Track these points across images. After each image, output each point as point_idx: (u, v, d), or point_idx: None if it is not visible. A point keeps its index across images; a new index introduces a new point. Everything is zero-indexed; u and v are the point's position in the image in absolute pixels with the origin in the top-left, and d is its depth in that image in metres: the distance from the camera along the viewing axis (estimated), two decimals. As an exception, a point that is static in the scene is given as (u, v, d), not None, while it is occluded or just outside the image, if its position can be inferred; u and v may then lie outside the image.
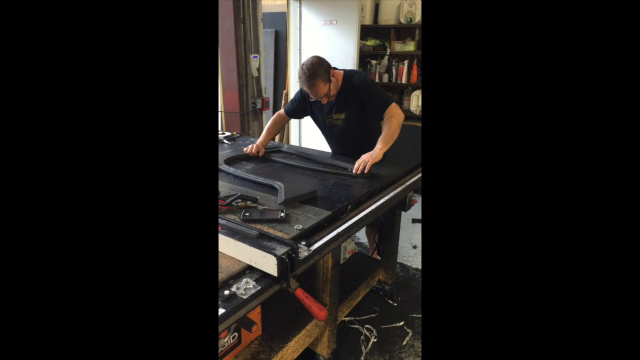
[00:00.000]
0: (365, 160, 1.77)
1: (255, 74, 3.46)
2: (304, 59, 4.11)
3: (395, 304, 2.10)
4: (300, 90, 2.07)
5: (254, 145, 2.07)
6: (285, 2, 4.06)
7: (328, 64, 1.85)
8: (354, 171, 1.76)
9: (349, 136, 2.05)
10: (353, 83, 1.92)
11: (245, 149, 2.08)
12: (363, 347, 1.80)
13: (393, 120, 1.87)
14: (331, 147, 2.23)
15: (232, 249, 1.07)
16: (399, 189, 1.70)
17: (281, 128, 2.21)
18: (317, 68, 1.79)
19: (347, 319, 1.96)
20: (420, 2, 3.73)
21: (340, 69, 1.97)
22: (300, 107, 2.11)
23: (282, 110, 2.19)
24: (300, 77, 1.84)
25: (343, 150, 2.14)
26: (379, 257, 2.17)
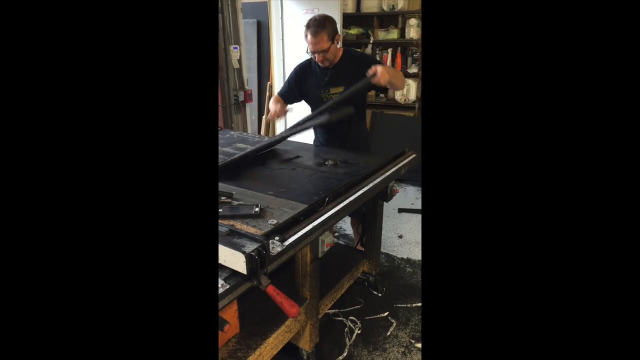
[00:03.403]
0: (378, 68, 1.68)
1: (236, 65, 3.39)
2: (287, 49, 4.09)
3: (380, 295, 2.10)
4: (296, 71, 2.06)
5: (273, 111, 1.96)
6: (265, -9, 3.97)
7: (336, 26, 1.89)
8: (370, 73, 1.69)
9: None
10: (354, 55, 1.97)
11: (265, 118, 1.96)
12: (347, 339, 1.79)
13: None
14: (317, 131, 2.19)
15: (201, 247, 1.04)
16: (379, 179, 1.68)
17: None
18: (327, 21, 1.83)
19: (331, 311, 1.95)
20: (402, -11, 3.68)
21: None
22: (296, 86, 2.04)
23: (276, 95, 2.11)
24: (307, 26, 1.84)
25: (327, 135, 2.11)
26: (363, 249, 2.16)
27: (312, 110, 2.07)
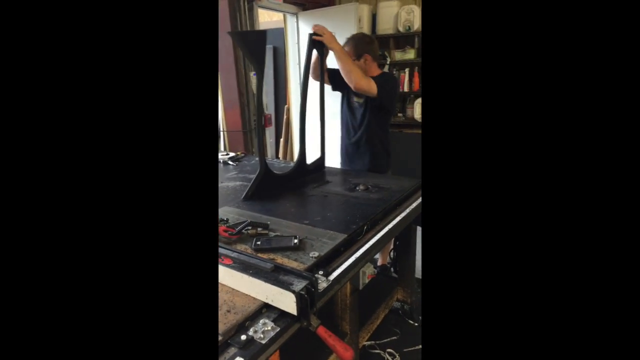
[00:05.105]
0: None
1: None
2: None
3: (416, 324, 2.00)
4: None
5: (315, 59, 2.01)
6: (282, 17, 4.04)
7: (369, 49, 2.08)
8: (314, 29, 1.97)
9: (356, 122, 2.19)
10: (385, 77, 2.09)
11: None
12: (387, 374, 1.70)
13: (360, 72, 1.99)
14: (342, 131, 2.31)
15: (246, 286, 0.99)
16: (415, 204, 1.62)
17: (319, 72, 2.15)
18: (357, 40, 2.11)
19: (367, 343, 1.86)
20: (418, 10, 3.70)
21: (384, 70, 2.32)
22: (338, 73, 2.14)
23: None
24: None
25: (346, 139, 2.28)
26: (391, 269, 2.09)
27: (342, 103, 2.26)
